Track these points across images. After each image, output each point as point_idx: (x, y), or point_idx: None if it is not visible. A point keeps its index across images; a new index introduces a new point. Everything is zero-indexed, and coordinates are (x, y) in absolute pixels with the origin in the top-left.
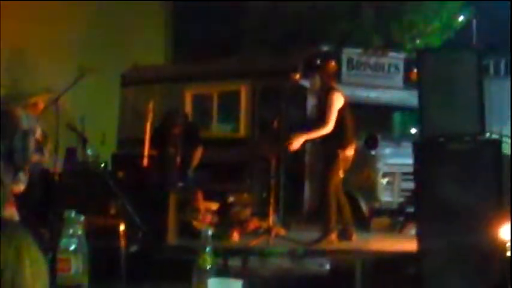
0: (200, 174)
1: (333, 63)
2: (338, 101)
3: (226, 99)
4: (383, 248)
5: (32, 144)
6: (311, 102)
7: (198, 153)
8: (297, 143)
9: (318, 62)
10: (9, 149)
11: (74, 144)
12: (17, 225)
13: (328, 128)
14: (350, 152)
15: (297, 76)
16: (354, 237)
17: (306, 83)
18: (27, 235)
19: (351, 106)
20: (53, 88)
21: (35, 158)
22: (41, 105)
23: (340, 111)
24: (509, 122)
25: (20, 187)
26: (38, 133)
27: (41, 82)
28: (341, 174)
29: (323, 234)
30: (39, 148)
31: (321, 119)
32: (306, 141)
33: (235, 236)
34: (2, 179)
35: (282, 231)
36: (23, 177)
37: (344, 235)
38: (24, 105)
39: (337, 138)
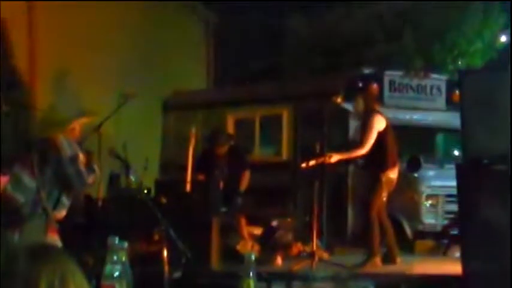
0: (243, 199)
1: (375, 86)
2: (378, 124)
3: (268, 123)
4: (427, 271)
5: (83, 167)
6: (353, 125)
7: (246, 177)
8: (330, 159)
9: (360, 84)
10: (59, 175)
11: (116, 170)
12: (61, 252)
13: (364, 150)
14: (393, 174)
15: (339, 99)
16: (398, 260)
17: (348, 106)
18: (72, 262)
19: (393, 128)
20: (91, 112)
21: (91, 179)
22: (78, 129)
23: (381, 134)
24: None
25: (62, 213)
26: (81, 158)
27: (79, 107)
28: (384, 197)
29: (367, 258)
30: (90, 169)
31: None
32: (348, 165)
33: (279, 261)
34: (45, 205)
35: (326, 255)
36: (66, 202)
37: (388, 258)
38: (62, 131)
39: (378, 161)
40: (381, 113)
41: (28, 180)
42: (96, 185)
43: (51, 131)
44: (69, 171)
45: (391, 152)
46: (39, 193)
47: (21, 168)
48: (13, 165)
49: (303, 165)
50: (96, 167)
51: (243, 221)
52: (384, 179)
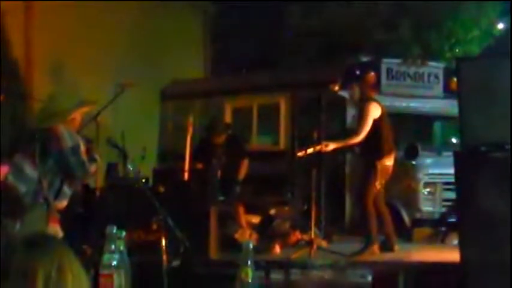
0: (241, 187)
1: (372, 74)
2: (374, 111)
3: (265, 111)
4: (425, 258)
5: (85, 157)
6: (350, 113)
7: (245, 165)
8: (326, 148)
9: (357, 72)
10: (61, 165)
11: (114, 159)
12: (59, 242)
13: (359, 137)
14: (389, 162)
15: (336, 87)
16: (396, 248)
17: (345, 94)
18: (69, 251)
19: (391, 116)
20: (90, 101)
21: (93, 168)
22: (79, 119)
23: (377, 122)
24: None
25: (64, 203)
26: (82, 147)
27: (78, 97)
28: (380, 185)
29: (365, 246)
30: (92, 158)
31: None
32: (346, 153)
33: (277, 249)
34: (46, 195)
35: (324, 244)
36: (68, 192)
37: (386, 246)
38: (62, 121)
39: (374, 149)
40: (377, 101)
41: (29, 170)
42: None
43: (51, 122)
44: (71, 161)
45: (386, 139)
46: (40, 183)
47: (22, 158)
48: (14, 155)
49: (300, 153)
50: (97, 156)
51: (241, 210)
52: (379, 166)
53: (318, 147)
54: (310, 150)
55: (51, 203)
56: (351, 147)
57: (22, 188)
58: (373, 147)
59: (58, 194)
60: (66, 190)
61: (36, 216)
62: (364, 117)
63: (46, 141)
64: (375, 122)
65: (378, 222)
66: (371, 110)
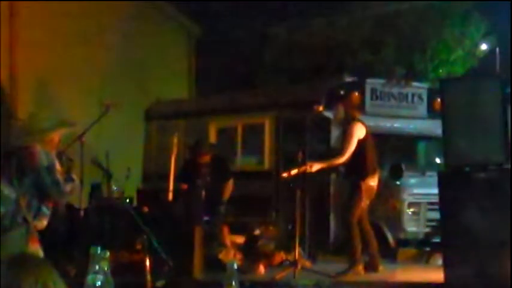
0: (225, 208)
1: (356, 94)
2: (358, 132)
3: (250, 132)
4: (410, 279)
5: (60, 177)
6: (335, 133)
7: (229, 186)
8: (311, 168)
9: (341, 92)
10: (37, 185)
11: (98, 179)
12: (42, 262)
13: (344, 158)
14: (373, 182)
15: (321, 108)
16: (380, 268)
17: (329, 114)
18: (53, 271)
19: (375, 136)
20: (70, 122)
21: (68, 188)
22: (57, 140)
23: (361, 142)
24: None
25: (43, 223)
26: (58, 167)
27: (59, 118)
28: (365, 205)
29: (349, 266)
30: (69, 178)
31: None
32: (330, 173)
33: (261, 269)
34: (25, 216)
35: (308, 264)
36: (46, 212)
37: (370, 266)
38: (39, 141)
39: (358, 169)
40: (361, 121)
41: (7, 191)
42: (77, 194)
43: (28, 141)
44: (46, 181)
45: (370, 159)
46: (18, 203)
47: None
48: None
49: (284, 174)
50: (74, 176)
51: (226, 230)
52: (363, 186)
53: (302, 168)
54: (294, 171)
55: (31, 223)
56: (335, 168)
57: (1, 209)
58: (357, 167)
59: (37, 214)
60: (45, 210)
61: (15, 237)
62: (348, 137)
63: (22, 160)
64: (360, 142)
65: (362, 242)
66: (356, 131)
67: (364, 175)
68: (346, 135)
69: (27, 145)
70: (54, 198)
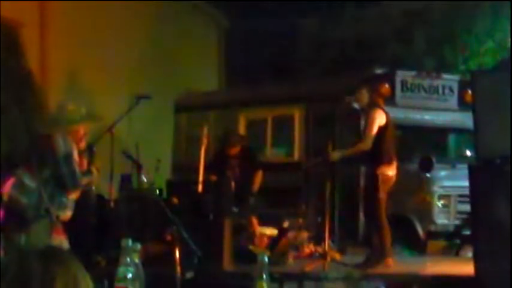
0: (255, 199)
1: (383, 84)
2: (379, 118)
3: (280, 123)
4: (440, 271)
5: (77, 167)
6: None
7: (259, 177)
8: (333, 157)
9: (367, 77)
10: (56, 175)
11: (128, 171)
12: (70, 254)
13: (366, 145)
14: (391, 171)
15: (351, 99)
16: (390, 261)
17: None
18: (80, 263)
19: (406, 128)
20: (97, 116)
21: (85, 181)
22: (82, 133)
23: (381, 129)
24: None
25: (68, 213)
26: (76, 158)
27: (91, 107)
28: (383, 195)
29: (374, 258)
30: (88, 171)
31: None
32: (360, 164)
33: (291, 261)
34: (47, 206)
35: (338, 256)
36: (69, 203)
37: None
38: (63, 131)
39: (375, 157)
40: (383, 108)
41: (29, 181)
42: (108, 185)
43: (52, 130)
44: (62, 170)
45: (388, 148)
46: (40, 194)
47: (22, 169)
48: (17, 166)
49: (307, 164)
50: (94, 169)
51: (255, 221)
52: (380, 176)
53: (324, 157)
54: (316, 160)
55: (53, 214)
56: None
57: (24, 200)
58: (374, 155)
59: (60, 205)
60: (68, 200)
61: (39, 228)
62: (370, 123)
63: (42, 149)
64: (380, 129)
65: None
66: (377, 116)
67: (380, 163)
68: (367, 121)
69: (48, 134)
70: (69, 189)
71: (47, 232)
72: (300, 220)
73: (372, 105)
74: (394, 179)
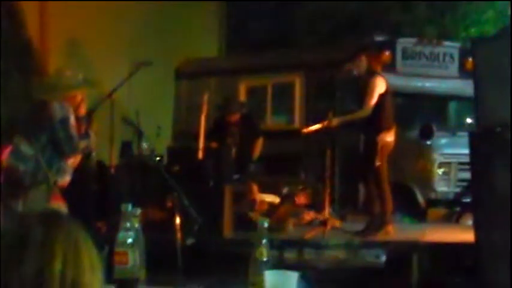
0: (255, 167)
1: (387, 53)
2: (380, 86)
3: (280, 91)
4: (439, 239)
5: (74, 132)
6: None
7: (259, 144)
8: (332, 123)
9: (366, 44)
10: (53, 141)
11: (129, 137)
12: (71, 218)
13: (366, 112)
14: (390, 138)
15: (351, 66)
16: (390, 228)
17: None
18: (81, 228)
19: (406, 96)
20: (94, 81)
21: (82, 144)
22: (79, 98)
23: (381, 97)
24: None
25: (66, 179)
26: (73, 122)
27: (91, 74)
28: (383, 161)
29: (374, 224)
30: (85, 134)
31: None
32: (359, 132)
33: (291, 228)
34: (45, 172)
35: (338, 223)
36: (67, 168)
37: (373, 226)
38: (61, 97)
39: (375, 124)
40: (383, 75)
41: (26, 148)
42: (108, 152)
43: (49, 96)
44: (59, 135)
45: (388, 115)
46: (38, 160)
47: (19, 136)
48: (14, 133)
49: (305, 130)
50: (92, 133)
51: (255, 188)
52: (380, 142)
53: (323, 124)
54: (316, 127)
55: (51, 180)
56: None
57: (21, 167)
58: (374, 122)
59: (58, 170)
60: (66, 166)
61: (37, 194)
62: (370, 90)
63: (39, 115)
64: (380, 96)
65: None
66: (377, 84)
67: (380, 130)
68: (367, 88)
69: (43, 100)
70: (67, 153)
71: (44, 198)
72: (300, 187)
73: (371, 73)
74: (392, 144)
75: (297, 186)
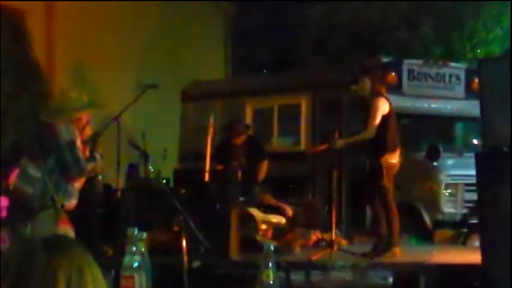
0: (261, 189)
1: (393, 75)
2: (383, 107)
3: (286, 112)
4: (447, 260)
5: (81, 154)
6: None
7: (264, 167)
8: (336, 145)
9: (370, 65)
10: (60, 163)
11: (135, 160)
12: (76, 243)
13: (369, 133)
14: (394, 159)
15: (356, 88)
16: (397, 250)
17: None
18: (86, 252)
19: (413, 117)
20: (100, 103)
21: (90, 167)
22: (85, 120)
23: (385, 118)
24: None
25: (72, 202)
26: (79, 144)
27: (97, 96)
28: (387, 184)
29: (381, 246)
30: (92, 157)
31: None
32: (366, 154)
33: (298, 250)
34: (53, 196)
35: (345, 244)
36: (74, 191)
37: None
38: (66, 119)
39: (378, 146)
40: (386, 97)
41: (34, 171)
42: (115, 175)
43: (55, 118)
44: (66, 157)
45: (392, 136)
46: (45, 183)
47: (26, 159)
48: (21, 156)
49: (308, 151)
50: (98, 155)
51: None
52: (384, 164)
53: (327, 145)
54: (319, 148)
55: (59, 204)
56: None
57: (29, 190)
58: (378, 144)
59: (65, 194)
60: (72, 189)
61: (45, 218)
62: (373, 112)
63: (45, 138)
64: (383, 117)
65: (381, 221)
66: (380, 105)
67: (384, 151)
68: (370, 110)
69: (50, 122)
70: (74, 176)
71: (52, 222)
72: (307, 209)
73: (375, 94)
74: (397, 166)
75: (303, 208)
